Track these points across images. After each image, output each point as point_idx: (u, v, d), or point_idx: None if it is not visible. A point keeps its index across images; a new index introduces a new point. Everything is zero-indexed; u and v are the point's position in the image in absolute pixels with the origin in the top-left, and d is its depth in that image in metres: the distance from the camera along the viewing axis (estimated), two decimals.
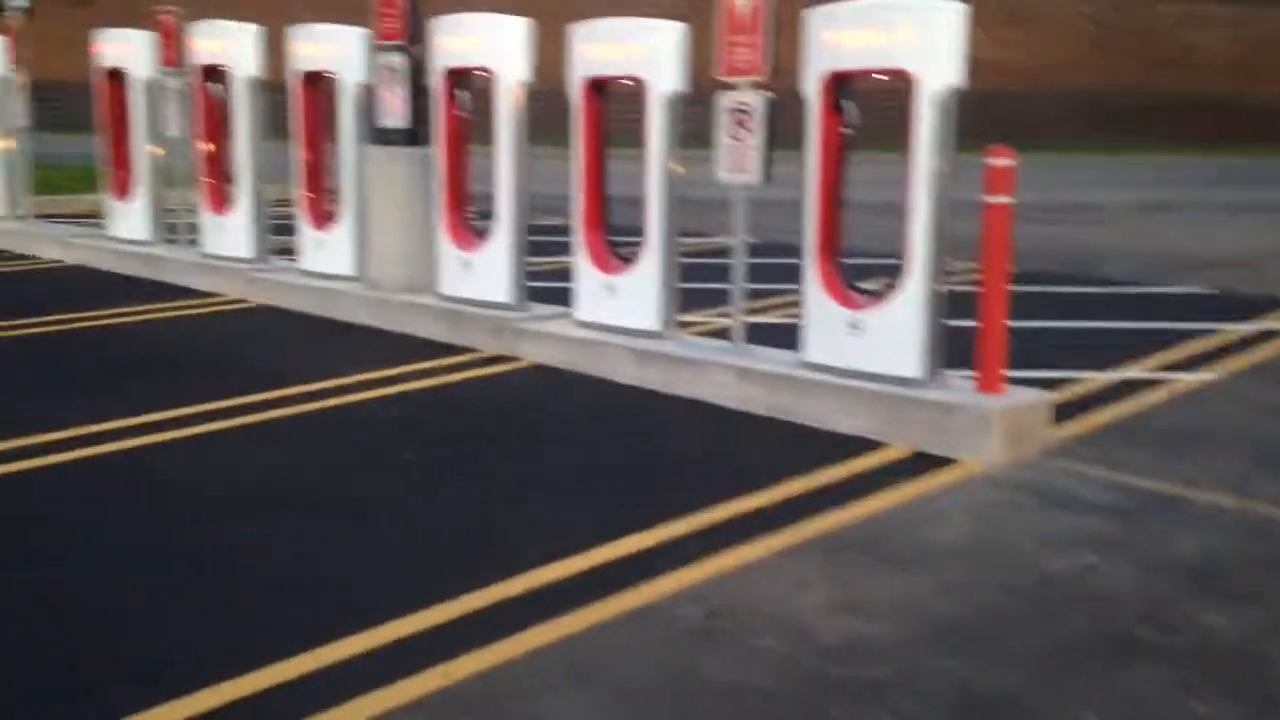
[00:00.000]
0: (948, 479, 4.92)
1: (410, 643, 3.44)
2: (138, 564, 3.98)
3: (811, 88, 5.67)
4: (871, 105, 6.49)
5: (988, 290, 5.28)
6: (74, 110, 26.63)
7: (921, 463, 5.11)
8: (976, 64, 5.30)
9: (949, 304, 5.42)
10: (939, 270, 5.38)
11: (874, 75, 5.67)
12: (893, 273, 5.51)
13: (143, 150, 9.61)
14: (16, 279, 9.62)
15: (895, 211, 5.51)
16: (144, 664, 3.31)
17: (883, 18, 5.43)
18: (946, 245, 5.37)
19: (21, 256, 10.58)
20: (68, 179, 14.62)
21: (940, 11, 5.30)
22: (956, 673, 3.28)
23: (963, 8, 5.32)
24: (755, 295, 6.73)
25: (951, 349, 5.46)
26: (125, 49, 9.69)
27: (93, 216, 11.13)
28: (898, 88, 5.34)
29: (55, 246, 10.52)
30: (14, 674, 3.26)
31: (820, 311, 5.76)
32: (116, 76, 9.76)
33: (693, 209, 7.01)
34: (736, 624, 3.58)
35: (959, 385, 5.45)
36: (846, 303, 5.70)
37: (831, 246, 5.80)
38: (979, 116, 8.09)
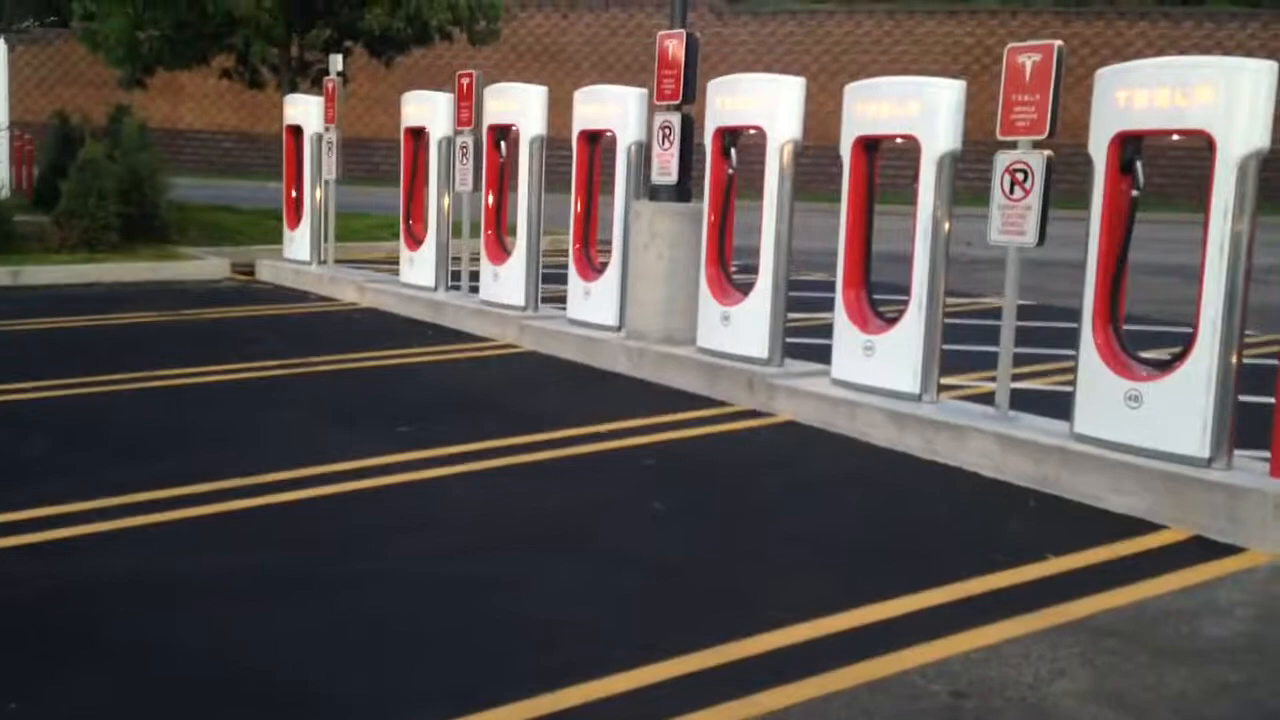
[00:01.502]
0: (1231, 569, 4.51)
1: (643, 694, 3.43)
2: (405, 589, 4.18)
3: (1099, 147, 5.41)
4: (1156, 163, 6.12)
5: None
6: (379, 164, 28.80)
7: (1201, 549, 4.72)
8: None
9: (1242, 378, 5.02)
10: (1233, 341, 4.99)
11: (1168, 136, 5.38)
12: (1178, 341, 5.14)
13: (435, 203, 10.24)
14: (316, 319, 10.42)
15: (1180, 274, 5.16)
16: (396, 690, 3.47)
17: (1180, 77, 5.15)
18: (1242, 315, 4.98)
19: (323, 298, 11.45)
20: (369, 227, 15.74)
21: (1244, 71, 4.98)
22: None
23: (1271, 66, 4.96)
24: (1023, 360, 6.43)
25: (1241, 428, 5.04)
26: (426, 109, 10.38)
27: (389, 262, 11.93)
28: (1188, 145, 5.02)
29: (352, 290, 11.34)
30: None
31: (1095, 380, 5.44)
32: (417, 134, 10.47)
33: (962, 268, 6.79)
34: (985, 706, 3.39)
35: (1249, 467, 5.02)
36: (1125, 372, 5.37)
37: (1111, 312, 5.48)
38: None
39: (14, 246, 12.67)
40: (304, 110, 12.23)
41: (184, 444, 6.09)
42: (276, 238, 13.24)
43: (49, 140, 16.11)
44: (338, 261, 12.23)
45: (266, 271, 12.86)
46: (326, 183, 11.91)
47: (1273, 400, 4.90)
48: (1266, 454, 4.95)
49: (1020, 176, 5.69)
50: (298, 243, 12.53)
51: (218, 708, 3.32)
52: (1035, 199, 5.65)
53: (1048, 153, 5.63)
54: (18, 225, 13.00)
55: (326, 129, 11.80)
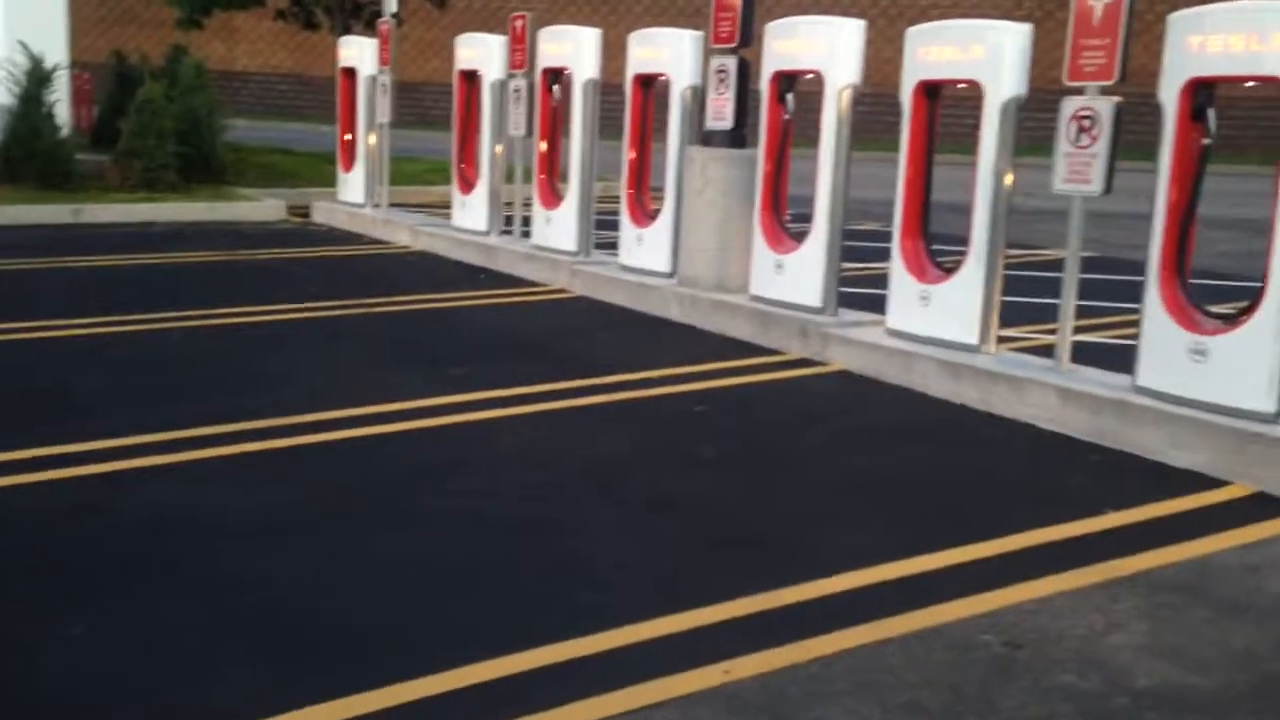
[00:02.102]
0: None
1: (693, 636, 3.43)
2: (452, 528, 4.20)
3: (1170, 94, 5.26)
4: (1226, 113, 5.92)
5: None
6: (430, 109, 28.75)
7: (1265, 505, 4.62)
8: None
9: None
10: None
11: (1241, 84, 5.21)
12: (1246, 296, 5.01)
13: (488, 147, 10.19)
14: (370, 262, 10.46)
15: (1248, 228, 5.02)
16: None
17: (1258, 22, 4.98)
18: None
19: (376, 241, 11.49)
20: (421, 171, 15.74)
21: None
22: None
23: None
24: (1083, 313, 6.31)
25: None
26: (479, 52, 10.31)
27: (441, 206, 11.93)
28: (1259, 95, 4.86)
29: (405, 234, 11.35)
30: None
31: (1160, 334, 5.33)
32: (470, 77, 10.41)
33: (1022, 219, 6.66)
34: (1039, 656, 3.35)
35: None
36: (1191, 326, 5.24)
37: (1178, 264, 5.35)
38: None
39: (75, 185, 12.83)
40: (358, 52, 12.20)
41: (238, 382, 6.14)
42: (331, 180, 13.28)
43: (107, 80, 16.23)
44: (391, 205, 12.25)
45: (321, 214, 12.91)
46: (380, 126, 11.89)
47: None
48: None
49: (1087, 123, 5.54)
50: (351, 185, 12.56)
51: (261, 640, 3.35)
52: (1103, 146, 5.50)
53: (1117, 99, 5.48)
54: (78, 164, 13.15)
55: (381, 71, 11.77)
